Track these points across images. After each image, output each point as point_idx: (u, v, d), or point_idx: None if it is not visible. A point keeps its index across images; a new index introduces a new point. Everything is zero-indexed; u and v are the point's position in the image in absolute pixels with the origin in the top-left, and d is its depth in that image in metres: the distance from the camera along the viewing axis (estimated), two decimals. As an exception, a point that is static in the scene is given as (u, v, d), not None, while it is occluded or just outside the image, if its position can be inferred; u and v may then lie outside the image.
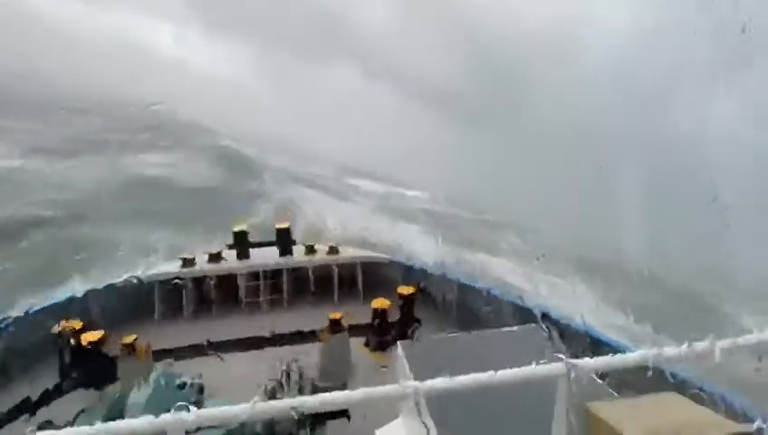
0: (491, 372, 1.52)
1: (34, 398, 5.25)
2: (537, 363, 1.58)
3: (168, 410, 1.34)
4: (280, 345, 6.46)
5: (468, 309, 6.85)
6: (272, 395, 4.82)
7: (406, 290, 6.76)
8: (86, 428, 1.28)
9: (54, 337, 5.70)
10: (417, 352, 3.39)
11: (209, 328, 6.94)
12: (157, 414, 1.33)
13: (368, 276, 7.90)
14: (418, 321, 6.78)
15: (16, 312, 6.18)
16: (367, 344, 6.62)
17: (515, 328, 3.77)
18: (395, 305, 6.68)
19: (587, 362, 1.56)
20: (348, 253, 8.05)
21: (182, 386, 4.66)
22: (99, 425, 1.33)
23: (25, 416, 5.04)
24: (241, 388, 4.99)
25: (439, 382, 1.51)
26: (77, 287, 6.74)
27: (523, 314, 5.83)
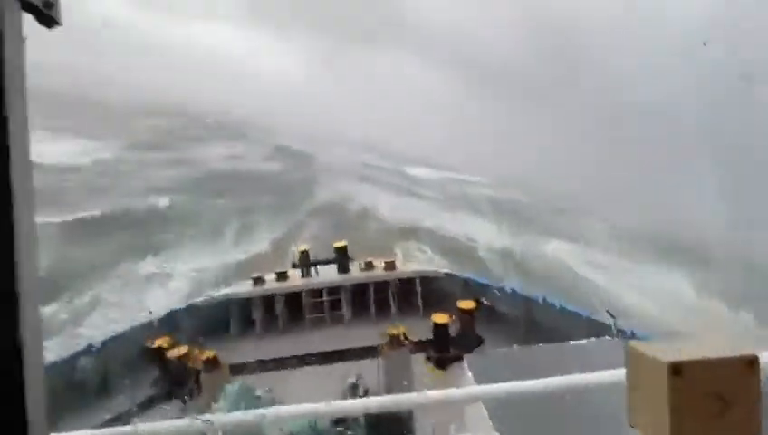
0: (566, 377, 1.49)
1: (129, 408, 5.86)
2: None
3: None
4: (343, 361, 6.63)
5: (533, 324, 6.58)
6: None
7: (465, 305, 6.67)
8: (181, 420, 1.46)
9: (146, 352, 6.36)
10: (483, 365, 3.35)
11: (277, 344, 7.33)
12: None
13: (426, 291, 7.90)
14: (480, 337, 6.64)
15: (113, 329, 7.01)
16: (428, 360, 6.58)
17: (588, 341, 3.60)
18: (454, 320, 6.61)
19: None
20: (405, 268, 8.15)
21: (257, 399, 4.96)
22: (190, 419, 1.49)
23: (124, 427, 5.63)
24: (309, 402, 5.18)
25: (508, 387, 1.48)
26: (161, 302, 7.49)
27: (596, 328, 5.51)
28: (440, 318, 6.52)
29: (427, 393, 1.52)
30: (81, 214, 19.48)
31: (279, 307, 7.92)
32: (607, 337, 3.68)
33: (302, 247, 8.56)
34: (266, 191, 25.05)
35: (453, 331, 6.61)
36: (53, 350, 6.91)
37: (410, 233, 21.28)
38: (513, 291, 7.20)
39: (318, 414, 1.54)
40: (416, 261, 8.73)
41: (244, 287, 7.98)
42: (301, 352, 6.97)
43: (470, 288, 7.53)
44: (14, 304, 0.59)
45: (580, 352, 3.49)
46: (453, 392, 1.59)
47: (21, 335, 0.58)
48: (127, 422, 5.61)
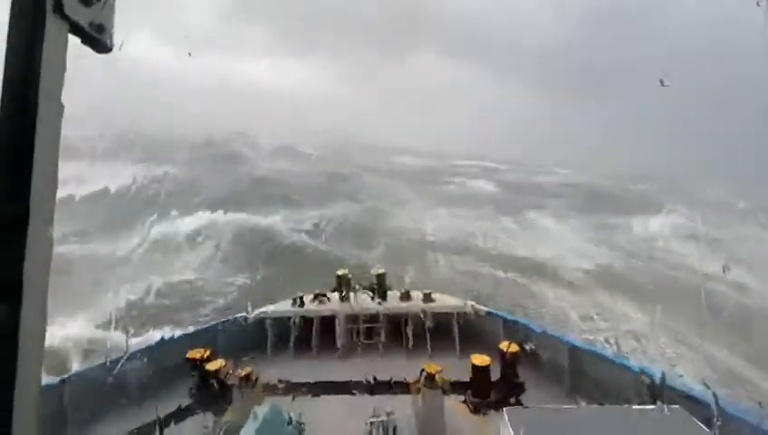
0: None
1: (165, 416, 6.01)
2: None
3: None
4: (374, 394, 6.42)
5: (582, 377, 6.03)
6: None
7: (509, 347, 6.26)
8: None
9: (185, 363, 6.55)
10: (527, 421, 3.06)
11: (310, 367, 7.26)
12: None
13: (464, 328, 7.56)
14: (522, 384, 6.16)
15: (157, 338, 7.31)
16: (465, 403, 6.19)
17: (649, 407, 3.18)
18: (494, 362, 6.21)
19: None
20: (443, 301, 7.88)
21: (288, 422, 4.89)
22: None
23: (156, 433, 5.76)
24: (336, 432, 5.04)
25: None
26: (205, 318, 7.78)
27: (652, 388, 4.90)
28: (480, 360, 6.15)
29: None
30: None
31: (314, 330, 7.91)
32: (675, 406, 3.23)
33: (341, 271, 8.56)
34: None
35: (492, 374, 6.20)
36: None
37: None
38: (559, 337, 6.69)
39: None
40: (455, 297, 8.41)
41: (283, 307, 8.09)
42: (333, 378, 6.85)
43: (511, 329, 7.10)
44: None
45: (640, 418, 3.09)
46: None
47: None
48: (156, 430, 5.75)
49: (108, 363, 6.11)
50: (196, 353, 6.39)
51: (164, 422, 5.88)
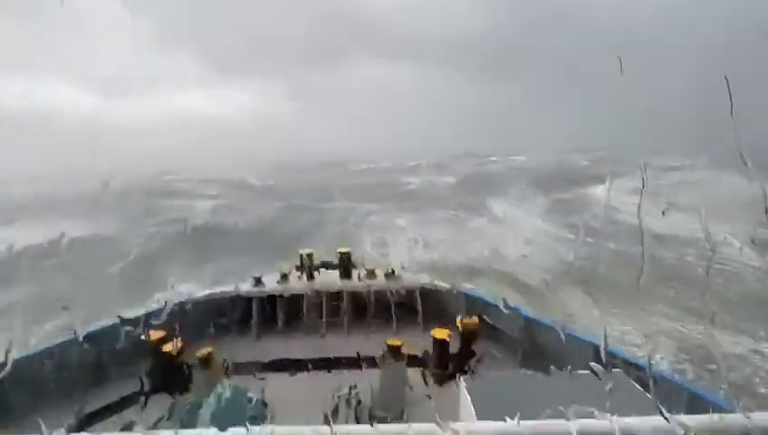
0: (579, 421, 1.38)
1: (120, 400, 5.81)
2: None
3: (235, 425, 1.40)
4: (339, 369, 6.52)
5: (535, 348, 6.40)
6: (328, 420, 4.84)
7: (467, 321, 6.53)
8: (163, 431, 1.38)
9: (141, 345, 6.31)
10: (481, 388, 3.23)
11: (273, 346, 7.23)
12: (224, 427, 1.40)
13: (428, 304, 7.77)
14: (479, 355, 6.48)
15: (110, 319, 6.98)
16: (424, 375, 6.43)
17: (597, 372, 3.43)
18: (455, 337, 6.46)
19: (698, 420, 1.36)
20: (407, 279, 8.03)
21: (248, 401, 4.87)
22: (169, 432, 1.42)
23: (113, 416, 5.58)
24: (301, 409, 5.10)
25: (510, 426, 1.38)
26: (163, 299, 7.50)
27: (597, 356, 5.30)
28: (440, 333, 6.38)
29: (424, 425, 1.42)
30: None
31: (278, 309, 7.85)
32: (617, 370, 3.51)
33: (306, 250, 8.51)
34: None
35: (453, 347, 6.46)
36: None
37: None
38: (518, 310, 7.03)
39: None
40: (420, 273, 8.58)
41: (243, 287, 7.93)
42: (296, 356, 6.87)
43: (473, 305, 7.38)
44: None
45: (590, 384, 3.34)
46: (454, 426, 1.48)
47: None
48: (114, 412, 5.57)
49: (54, 347, 5.79)
50: (151, 335, 6.17)
51: (120, 405, 5.70)
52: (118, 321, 6.75)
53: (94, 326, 6.74)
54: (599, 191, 29.56)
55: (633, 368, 4.43)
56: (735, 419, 1.37)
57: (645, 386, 3.44)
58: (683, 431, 1.33)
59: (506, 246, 22.36)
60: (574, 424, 1.38)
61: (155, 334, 6.19)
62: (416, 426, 1.39)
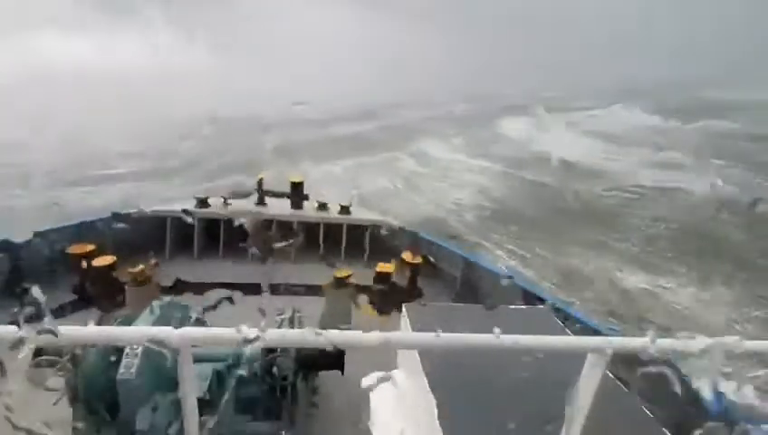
0: (515, 336, 1.47)
1: (38, 312, 5.45)
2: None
3: None
4: (283, 295, 6.57)
5: (472, 286, 6.85)
6: None
7: (410, 258, 6.77)
8: (104, 327, 1.29)
9: (67, 258, 5.85)
10: (421, 316, 3.39)
11: (216, 270, 7.06)
12: None
13: (376, 240, 7.90)
14: (420, 289, 6.83)
15: (30, 231, 6.33)
16: (371, 304, 6.70)
17: (525, 307, 3.74)
18: (400, 273, 6.70)
19: (623, 341, 1.52)
20: (359, 214, 8.04)
21: (187, 318, 4.77)
22: (111, 327, 1.35)
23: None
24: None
25: (448, 338, 1.45)
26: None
27: (530, 300, 5.83)
28: (385, 268, 6.58)
29: (369, 334, 1.45)
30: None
31: (222, 232, 7.56)
32: (543, 306, 3.84)
33: (260, 175, 8.07)
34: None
35: (396, 282, 6.72)
36: None
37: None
38: (456, 251, 7.40)
39: (246, 340, 1.40)
40: (371, 211, 8.61)
41: (185, 206, 7.48)
42: (242, 281, 6.78)
43: (419, 243, 7.62)
44: None
45: (520, 315, 3.63)
46: (393, 336, 1.53)
47: None
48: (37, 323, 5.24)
49: None
50: (79, 248, 5.71)
51: (42, 316, 5.36)
52: (34, 234, 6.14)
53: (10, 236, 6.10)
54: (512, 126, 33.43)
55: (553, 307, 4.98)
56: (642, 341, 1.55)
57: (565, 323, 3.81)
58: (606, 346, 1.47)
59: (443, 192, 23.57)
60: (491, 338, 1.47)
61: (83, 247, 5.75)
62: (350, 332, 1.41)
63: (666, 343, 1.48)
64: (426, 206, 21.15)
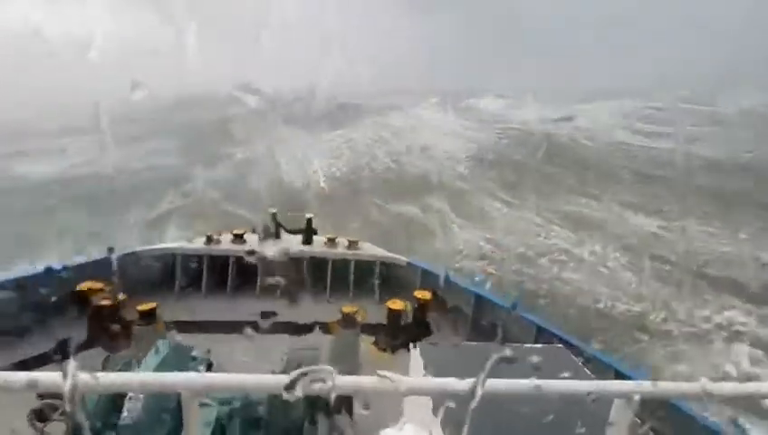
0: (535, 381, 1.40)
1: (51, 349, 5.39)
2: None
3: None
4: (291, 334, 6.43)
5: (484, 323, 6.67)
6: None
7: (422, 295, 6.66)
8: (110, 374, 1.26)
9: (76, 296, 5.85)
10: (432, 355, 3.28)
11: (224, 308, 6.98)
12: None
13: (385, 276, 7.82)
14: (429, 326, 6.65)
15: (41, 266, 6.39)
16: (376, 344, 6.52)
17: (540, 346, 3.61)
18: (410, 309, 6.57)
19: (657, 386, 1.45)
20: (366, 250, 8.01)
21: (192, 359, 4.67)
22: (117, 374, 1.32)
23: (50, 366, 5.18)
24: (248, 370, 4.97)
25: (475, 384, 1.38)
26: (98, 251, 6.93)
27: (544, 337, 5.65)
28: (395, 305, 6.46)
29: (390, 380, 1.40)
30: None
31: (231, 270, 7.55)
32: (559, 345, 3.70)
33: (270, 210, 8.14)
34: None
35: (405, 319, 6.58)
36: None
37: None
38: (465, 287, 7.26)
39: (260, 386, 1.36)
40: (379, 247, 8.58)
41: (194, 244, 7.53)
42: (249, 318, 6.69)
43: (428, 279, 7.52)
44: None
45: (534, 354, 3.49)
46: (416, 382, 1.47)
47: None
48: (42, 364, 5.16)
49: None
50: (87, 286, 5.72)
51: (43, 359, 5.28)
52: (44, 269, 6.18)
53: (16, 273, 6.15)
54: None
55: (570, 346, 4.79)
56: (646, 385, 1.47)
57: (582, 362, 3.66)
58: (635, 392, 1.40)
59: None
60: (527, 384, 1.41)
61: (91, 285, 5.76)
62: (360, 377, 1.36)
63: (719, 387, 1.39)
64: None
